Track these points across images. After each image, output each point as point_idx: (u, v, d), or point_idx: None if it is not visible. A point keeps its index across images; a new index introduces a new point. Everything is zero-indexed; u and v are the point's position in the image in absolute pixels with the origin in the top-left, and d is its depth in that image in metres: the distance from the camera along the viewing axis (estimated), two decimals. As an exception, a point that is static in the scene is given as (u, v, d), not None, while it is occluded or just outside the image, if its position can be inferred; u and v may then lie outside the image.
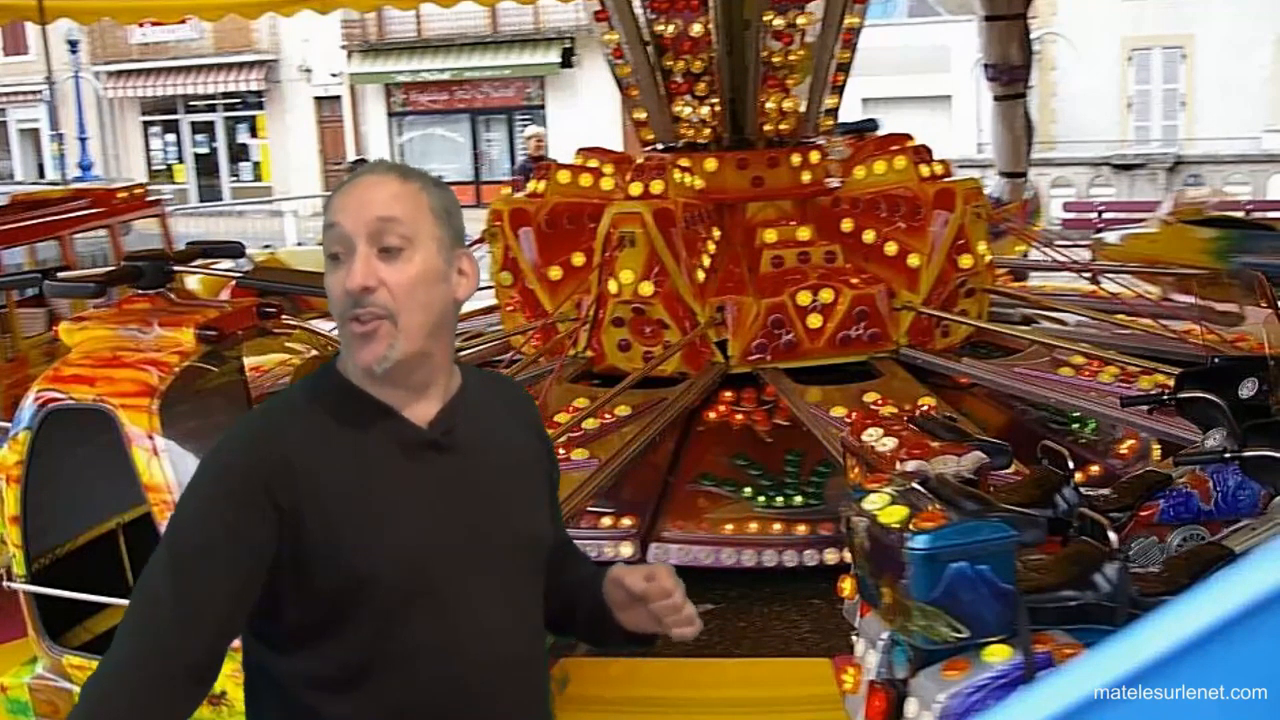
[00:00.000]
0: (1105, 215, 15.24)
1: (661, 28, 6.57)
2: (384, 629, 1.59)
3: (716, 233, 6.30)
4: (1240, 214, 11.89)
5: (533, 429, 1.87)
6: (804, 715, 3.88)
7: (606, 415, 5.44)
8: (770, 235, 6.21)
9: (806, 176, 6.65)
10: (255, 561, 1.56)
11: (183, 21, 21.04)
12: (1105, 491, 3.80)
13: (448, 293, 1.66)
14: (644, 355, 5.85)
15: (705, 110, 6.61)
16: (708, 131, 6.64)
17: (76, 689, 3.38)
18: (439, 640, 1.62)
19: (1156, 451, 5.48)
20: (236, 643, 1.63)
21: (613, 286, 5.81)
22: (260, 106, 32.11)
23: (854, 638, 3.16)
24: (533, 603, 1.76)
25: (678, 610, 1.73)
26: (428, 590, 1.61)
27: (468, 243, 1.77)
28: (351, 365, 1.64)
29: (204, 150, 33.29)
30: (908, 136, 6.79)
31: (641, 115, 6.92)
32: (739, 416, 5.72)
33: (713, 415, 5.75)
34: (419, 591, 1.60)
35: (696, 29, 6.43)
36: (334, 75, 30.14)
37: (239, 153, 32.98)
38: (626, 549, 4.85)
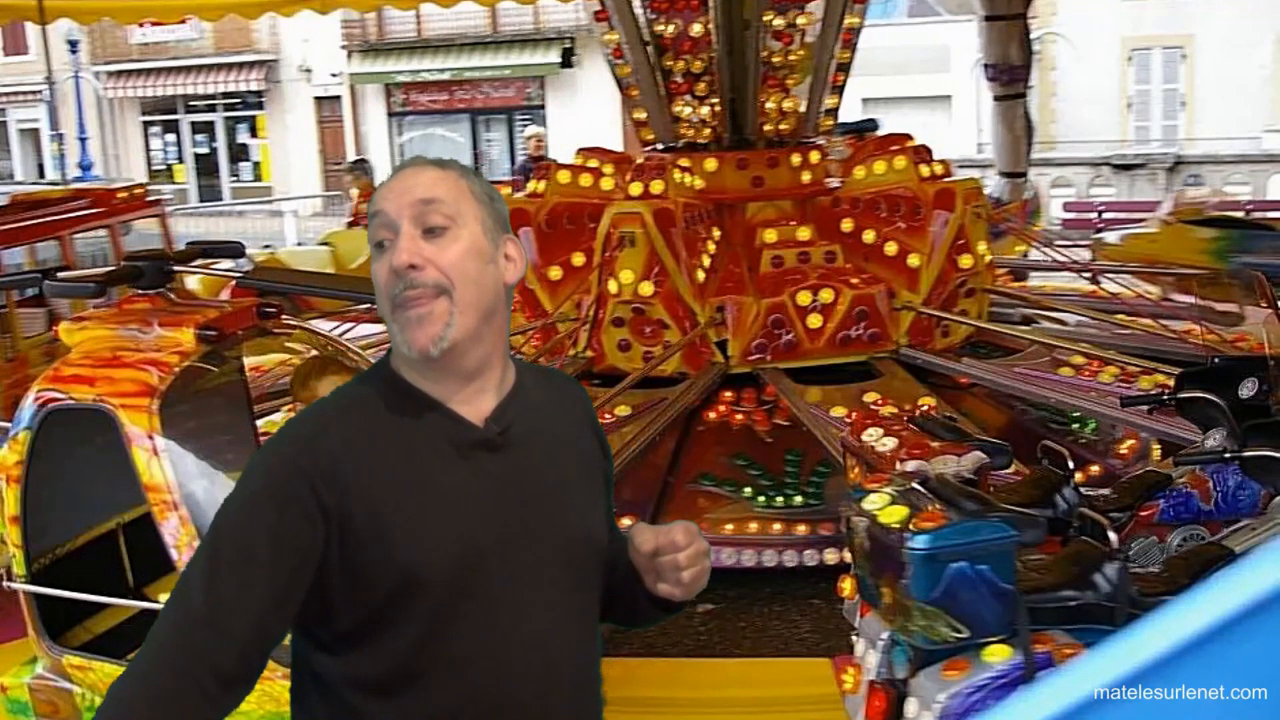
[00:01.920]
0: (1105, 215, 15.23)
1: (661, 28, 6.57)
2: (432, 632, 1.56)
3: (716, 233, 6.30)
4: (1240, 214, 11.89)
5: (589, 426, 1.84)
6: (804, 715, 3.88)
7: (606, 415, 5.43)
8: (770, 235, 6.21)
9: (806, 176, 6.65)
10: (299, 565, 1.53)
11: (183, 21, 21.06)
12: (1105, 491, 3.80)
13: (497, 275, 1.64)
14: (644, 355, 5.85)
15: (705, 110, 6.60)
16: (708, 131, 6.63)
17: (77, 689, 3.38)
18: (488, 644, 1.59)
19: (1156, 451, 5.48)
20: None
21: (613, 286, 5.81)
22: (260, 106, 32.11)
23: (854, 638, 3.16)
24: (587, 608, 1.72)
25: (676, 568, 1.67)
26: (477, 593, 1.58)
27: None
28: (405, 353, 1.61)
29: (204, 150, 33.29)
30: (908, 136, 6.79)
31: (641, 115, 6.92)
32: (739, 416, 5.72)
33: (713, 415, 5.75)
34: (468, 594, 1.57)
35: (696, 29, 6.43)
36: (334, 75, 30.14)
37: (239, 153, 32.98)
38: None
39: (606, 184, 6.44)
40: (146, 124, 33.66)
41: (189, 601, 1.54)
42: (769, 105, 6.62)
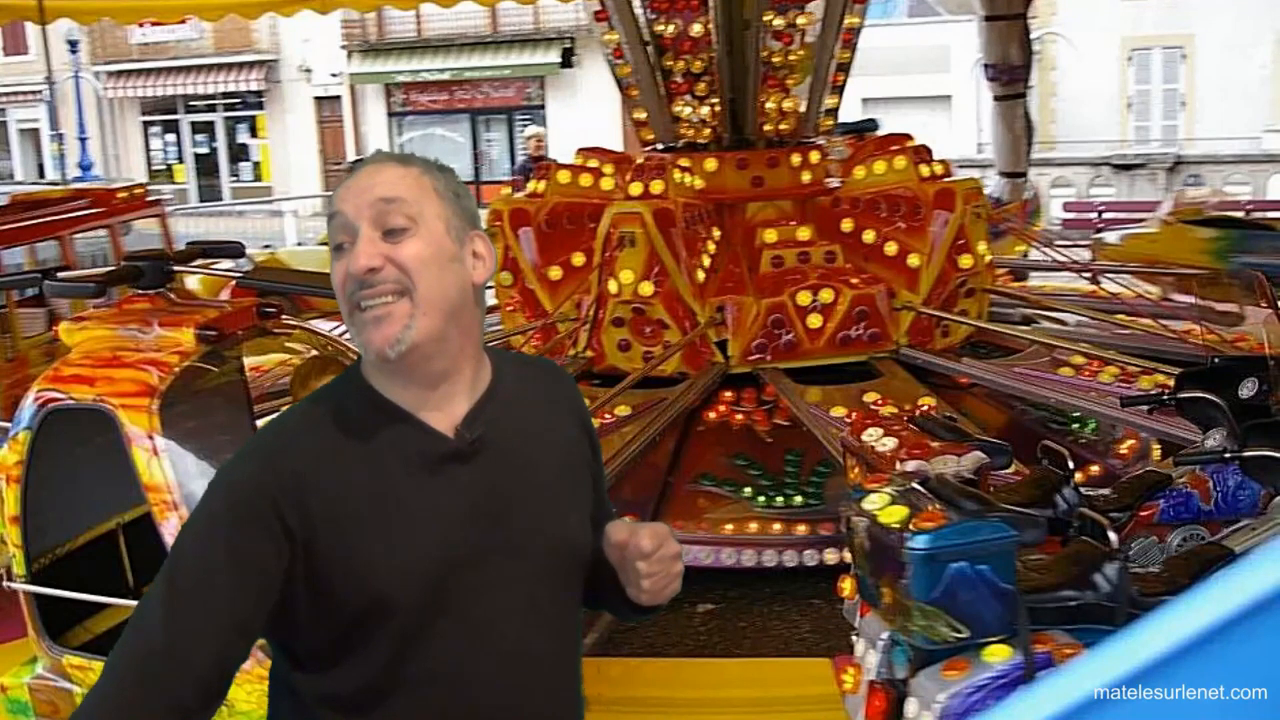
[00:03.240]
0: (1105, 215, 15.24)
1: (661, 28, 6.57)
2: (402, 651, 1.52)
3: (716, 233, 6.30)
4: (1240, 214, 11.89)
5: (576, 418, 1.77)
6: (804, 715, 3.88)
7: (606, 415, 5.43)
8: (770, 235, 6.21)
9: (806, 176, 6.65)
10: (262, 588, 1.49)
11: (183, 21, 21.06)
12: (1105, 491, 3.79)
13: (463, 274, 1.58)
14: (644, 355, 5.85)
15: (705, 110, 6.60)
16: (708, 131, 6.63)
17: (77, 689, 3.38)
18: (460, 662, 1.55)
19: (1156, 451, 5.48)
20: None
21: (613, 286, 5.81)
22: (260, 106, 32.11)
23: (854, 638, 3.16)
24: (564, 613, 1.67)
25: (639, 575, 1.61)
26: (448, 611, 1.53)
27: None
28: (364, 356, 1.57)
29: (204, 150, 33.29)
30: (908, 136, 6.79)
31: (641, 115, 6.92)
32: (739, 416, 5.72)
33: (713, 415, 5.74)
34: (439, 612, 1.53)
35: (696, 29, 6.43)
36: (334, 75, 30.14)
37: (239, 153, 32.99)
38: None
39: (606, 184, 6.44)
40: (146, 124, 33.66)
41: (148, 632, 1.49)
42: (769, 105, 6.62)
